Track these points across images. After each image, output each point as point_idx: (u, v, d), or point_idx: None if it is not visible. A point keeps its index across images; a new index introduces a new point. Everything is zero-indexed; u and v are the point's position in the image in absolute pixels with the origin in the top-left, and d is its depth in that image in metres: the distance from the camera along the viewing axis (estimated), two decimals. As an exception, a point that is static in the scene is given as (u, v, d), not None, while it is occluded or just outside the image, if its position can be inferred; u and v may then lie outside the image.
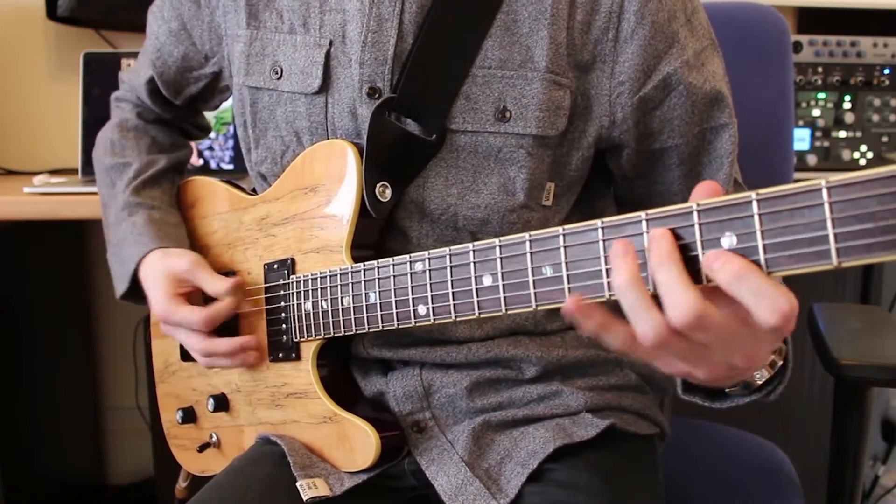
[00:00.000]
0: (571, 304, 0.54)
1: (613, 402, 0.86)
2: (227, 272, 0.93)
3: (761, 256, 0.49)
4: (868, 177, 0.45)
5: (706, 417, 1.25)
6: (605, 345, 0.55)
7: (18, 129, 1.94)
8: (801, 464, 1.14)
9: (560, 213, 0.85)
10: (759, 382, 0.65)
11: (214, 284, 0.87)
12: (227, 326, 0.93)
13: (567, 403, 0.83)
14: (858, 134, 1.69)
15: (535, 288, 0.61)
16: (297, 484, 0.77)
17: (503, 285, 0.63)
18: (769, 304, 0.49)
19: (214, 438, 0.96)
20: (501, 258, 0.63)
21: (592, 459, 0.79)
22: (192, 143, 1.15)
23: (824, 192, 0.46)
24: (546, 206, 0.83)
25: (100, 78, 1.70)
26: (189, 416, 0.99)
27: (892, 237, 0.44)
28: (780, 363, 0.65)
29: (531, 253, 0.61)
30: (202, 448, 0.98)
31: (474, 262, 0.65)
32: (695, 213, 0.52)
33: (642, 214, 0.54)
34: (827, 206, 0.46)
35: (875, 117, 1.69)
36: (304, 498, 0.76)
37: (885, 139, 1.69)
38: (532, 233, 0.61)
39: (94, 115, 1.68)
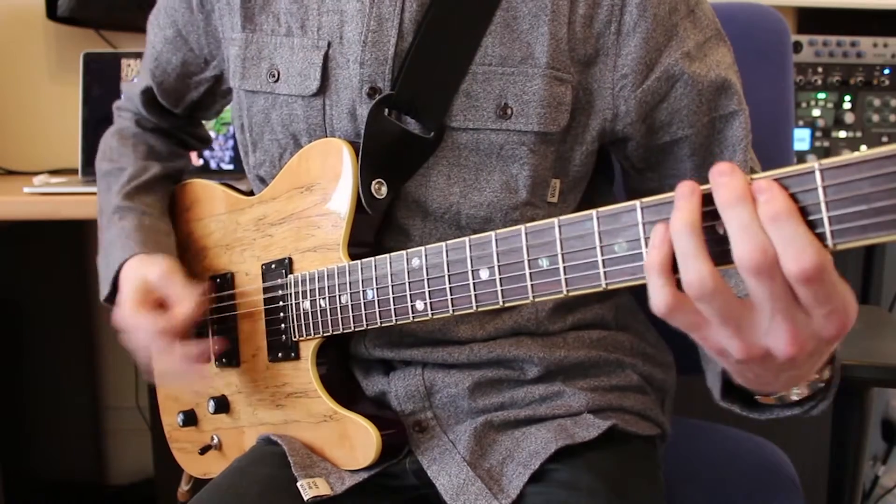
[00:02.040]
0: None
1: (615, 403, 0.86)
2: (224, 274, 0.93)
3: None
4: (861, 158, 0.45)
5: (706, 417, 1.25)
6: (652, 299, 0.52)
7: (18, 129, 1.94)
8: (801, 464, 1.14)
9: (567, 211, 0.85)
10: (795, 399, 0.63)
11: (181, 295, 0.84)
12: (225, 328, 0.93)
13: (569, 404, 0.83)
14: (858, 134, 1.69)
15: (531, 280, 0.61)
16: (298, 484, 0.77)
17: (500, 278, 0.63)
18: (796, 252, 0.46)
19: (215, 440, 0.96)
20: (498, 251, 0.63)
21: (594, 460, 0.79)
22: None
23: (817, 174, 0.46)
24: (552, 203, 0.83)
25: (100, 78, 1.70)
26: (190, 418, 0.99)
27: (885, 218, 0.44)
28: (822, 384, 0.63)
29: (527, 245, 0.61)
30: (203, 450, 0.98)
31: (471, 256, 0.65)
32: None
33: (637, 203, 0.55)
34: (821, 189, 0.46)
35: (875, 117, 1.69)
36: (305, 498, 0.76)
37: (885, 139, 1.69)
38: (528, 225, 0.61)
39: (94, 115, 1.68)
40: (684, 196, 0.51)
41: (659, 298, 0.52)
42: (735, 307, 0.51)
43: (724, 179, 0.49)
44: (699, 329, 0.53)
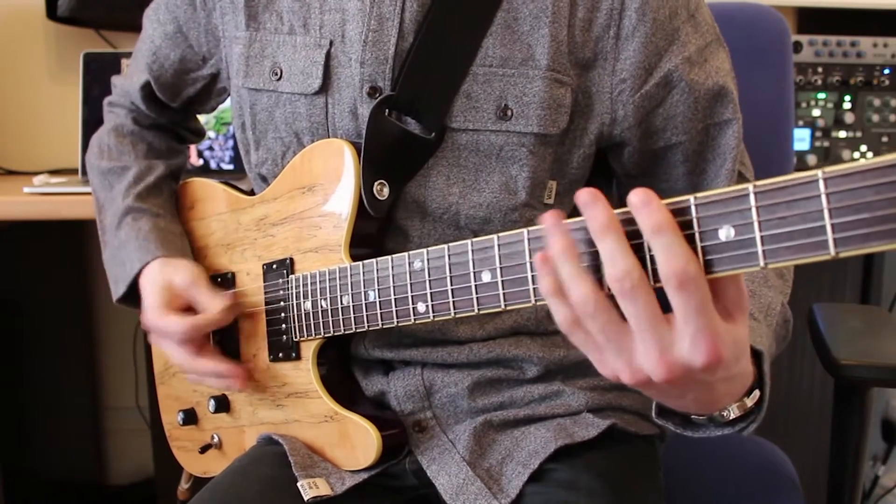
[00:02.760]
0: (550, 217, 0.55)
1: (614, 403, 0.86)
2: (225, 273, 0.93)
3: (759, 248, 0.49)
4: (864, 167, 0.45)
5: (706, 417, 1.24)
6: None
7: (18, 129, 1.94)
8: (801, 464, 1.14)
9: (562, 212, 0.85)
10: (729, 418, 0.63)
11: (209, 302, 0.86)
12: (227, 328, 0.93)
13: (568, 403, 0.83)
14: (858, 134, 1.69)
15: (533, 283, 0.61)
16: (298, 484, 0.77)
17: (502, 281, 0.63)
18: (671, 259, 0.50)
19: (216, 439, 0.97)
20: (500, 254, 0.63)
21: (593, 459, 0.79)
22: (190, 146, 1.15)
23: (821, 182, 0.46)
24: (548, 205, 0.83)
25: (100, 78, 1.70)
26: (190, 417, 0.99)
27: (888, 226, 0.44)
28: (753, 403, 0.63)
29: (529, 248, 0.61)
30: (204, 449, 0.98)
31: (473, 259, 0.65)
32: (692, 207, 0.52)
33: None
34: (824, 197, 0.46)
35: (875, 117, 1.69)
36: (306, 498, 0.76)
37: (885, 139, 1.69)
38: (530, 228, 0.61)
39: (94, 115, 1.68)
40: (554, 226, 0.55)
41: (558, 317, 0.55)
42: (616, 328, 0.53)
43: (646, 210, 0.52)
44: (594, 350, 0.56)
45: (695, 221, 0.52)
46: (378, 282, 0.74)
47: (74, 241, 1.93)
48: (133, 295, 0.92)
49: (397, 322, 0.73)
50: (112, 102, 1.08)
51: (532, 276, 0.61)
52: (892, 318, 1.43)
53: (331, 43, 0.82)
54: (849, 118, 1.68)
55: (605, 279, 0.53)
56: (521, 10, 0.78)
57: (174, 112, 1.05)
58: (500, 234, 0.63)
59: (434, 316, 0.70)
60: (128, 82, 1.04)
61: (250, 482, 0.80)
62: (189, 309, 0.88)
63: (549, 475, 0.77)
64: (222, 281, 0.94)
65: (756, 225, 0.49)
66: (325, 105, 0.82)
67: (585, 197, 0.53)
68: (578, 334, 0.55)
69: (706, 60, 0.80)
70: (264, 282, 0.88)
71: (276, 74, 0.84)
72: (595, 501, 0.75)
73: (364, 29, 0.79)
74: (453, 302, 0.68)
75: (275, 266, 0.86)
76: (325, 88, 0.82)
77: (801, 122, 1.68)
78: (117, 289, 0.94)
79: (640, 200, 0.52)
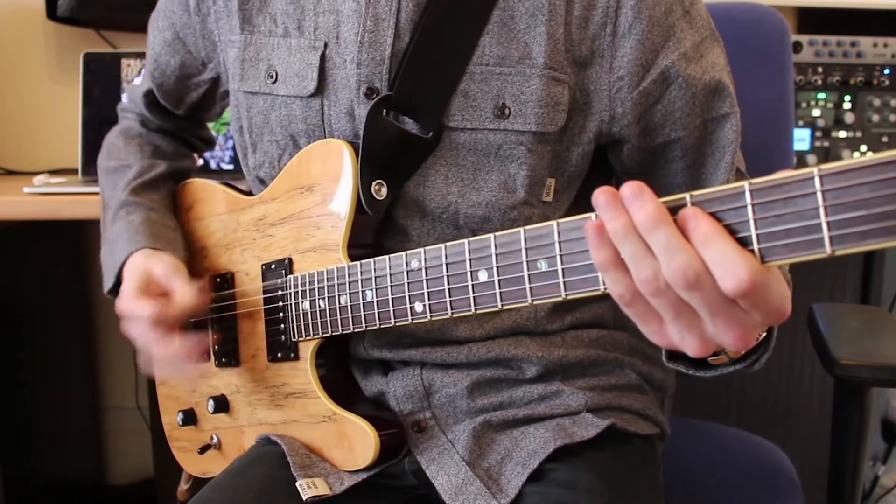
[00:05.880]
0: (592, 226, 0.53)
1: (614, 402, 0.86)
2: (224, 274, 0.93)
3: (755, 246, 0.49)
4: (860, 164, 0.44)
5: (706, 417, 1.25)
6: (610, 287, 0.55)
7: (18, 129, 1.94)
8: (801, 464, 1.14)
9: (560, 209, 0.85)
10: (742, 352, 0.64)
11: (182, 290, 0.85)
12: (225, 328, 0.93)
13: (567, 403, 0.83)
14: (858, 134, 1.69)
15: (530, 283, 0.61)
16: (297, 483, 0.77)
17: (499, 280, 0.63)
18: (727, 268, 0.49)
19: (215, 440, 0.97)
20: (497, 254, 0.63)
21: (593, 459, 0.79)
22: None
23: (817, 180, 0.46)
24: (546, 203, 0.83)
25: (100, 78, 1.70)
26: (189, 418, 0.99)
27: (885, 224, 0.44)
28: (763, 334, 0.64)
29: (526, 248, 0.61)
30: (203, 450, 0.98)
31: (470, 259, 0.66)
32: (688, 205, 0.52)
33: None
34: (820, 195, 0.46)
35: (875, 117, 1.69)
36: (304, 497, 0.76)
37: (885, 139, 1.69)
38: (527, 227, 0.61)
39: (94, 115, 1.68)
40: (611, 202, 0.52)
41: (615, 289, 0.54)
42: (685, 306, 0.52)
43: (638, 203, 0.51)
44: (652, 322, 0.54)
45: None
46: (376, 281, 0.74)
47: (74, 241, 1.93)
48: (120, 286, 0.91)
49: (395, 322, 0.73)
50: (123, 108, 1.11)
51: (528, 275, 0.61)
52: (892, 318, 1.43)
53: (325, 45, 0.82)
54: (849, 118, 1.68)
55: (664, 274, 0.51)
56: (518, 9, 0.78)
57: (180, 119, 1.06)
58: (497, 234, 0.63)
59: (431, 315, 0.70)
60: (135, 90, 1.06)
61: (249, 482, 0.80)
62: (164, 298, 0.86)
63: (548, 475, 0.77)
64: (221, 281, 0.94)
65: (752, 223, 0.49)
66: (321, 107, 0.82)
67: (631, 190, 0.51)
68: (637, 307, 0.54)
69: (702, 56, 0.80)
70: (263, 282, 0.88)
71: (272, 77, 0.85)
72: (594, 501, 0.75)
73: (360, 30, 0.79)
74: (450, 301, 0.68)
75: (273, 266, 0.86)
76: (320, 90, 0.82)
77: (801, 122, 1.68)
78: (107, 280, 0.93)
79: (631, 192, 0.51)
